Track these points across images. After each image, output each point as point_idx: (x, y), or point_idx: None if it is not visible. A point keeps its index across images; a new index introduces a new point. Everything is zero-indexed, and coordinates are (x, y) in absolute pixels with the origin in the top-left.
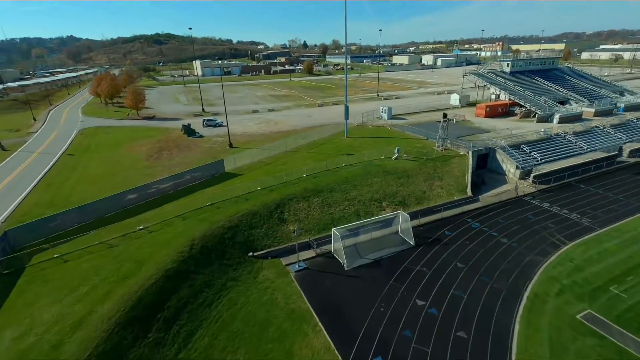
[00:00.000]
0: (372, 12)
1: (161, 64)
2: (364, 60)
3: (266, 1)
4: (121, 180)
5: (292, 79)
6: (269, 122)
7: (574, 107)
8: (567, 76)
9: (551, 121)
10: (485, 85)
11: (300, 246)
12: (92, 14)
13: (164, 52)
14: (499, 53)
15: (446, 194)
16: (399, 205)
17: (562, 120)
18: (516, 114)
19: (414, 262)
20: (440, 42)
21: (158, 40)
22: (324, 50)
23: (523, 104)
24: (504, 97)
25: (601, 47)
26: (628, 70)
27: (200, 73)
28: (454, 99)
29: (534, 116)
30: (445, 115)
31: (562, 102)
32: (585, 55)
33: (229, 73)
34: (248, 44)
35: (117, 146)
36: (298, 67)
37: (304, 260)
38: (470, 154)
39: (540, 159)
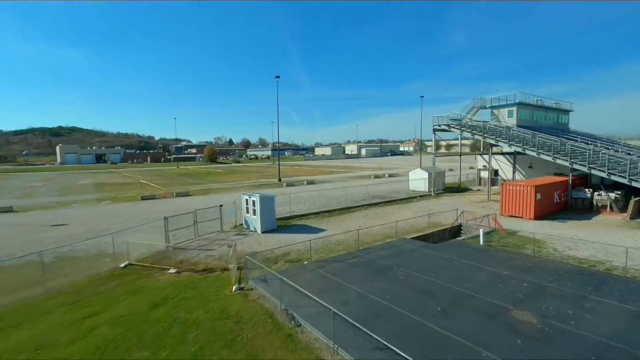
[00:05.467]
0: (299, 121)
1: (25, 152)
2: (286, 153)
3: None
4: None
5: (180, 167)
6: None
7: None
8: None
9: None
10: (481, 151)
11: None
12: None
13: (52, 143)
14: (411, 149)
15: None
16: None
17: None
18: (604, 209)
19: None
20: (359, 142)
21: (57, 132)
22: (247, 145)
23: (624, 179)
24: (512, 173)
25: None
26: None
27: (59, 160)
28: (418, 179)
29: None
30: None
31: None
32: None
33: (104, 161)
34: (171, 140)
35: None
36: (199, 156)
37: None
38: None
39: None
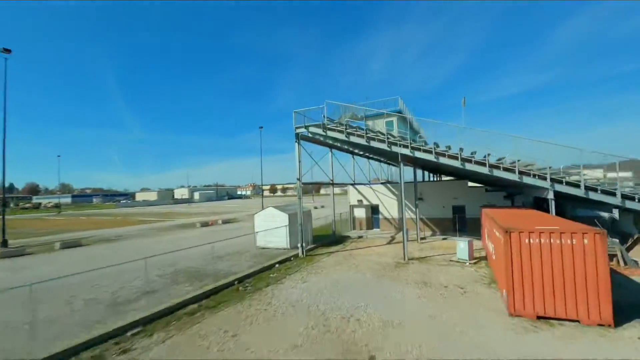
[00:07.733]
0: (124, 165)
1: None
2: (93, 199)
3: None
4: None
5: None
6: None
7: None
8: None
9: None
10: (353, 180)
11: None
12: None
13: None
14: (249, 192)
15: None
16: None
17: None
18: (610, 260)
19: None
20: (194, 186)
21: None
22: (33, 191)
23: (614, 198)
24: (400, 209)
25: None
26: None
27: None
28: (273, 228)
29: None
30: None
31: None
32: None
33: None
34: None
35: None
36: None
37: None
38: None
39: None
